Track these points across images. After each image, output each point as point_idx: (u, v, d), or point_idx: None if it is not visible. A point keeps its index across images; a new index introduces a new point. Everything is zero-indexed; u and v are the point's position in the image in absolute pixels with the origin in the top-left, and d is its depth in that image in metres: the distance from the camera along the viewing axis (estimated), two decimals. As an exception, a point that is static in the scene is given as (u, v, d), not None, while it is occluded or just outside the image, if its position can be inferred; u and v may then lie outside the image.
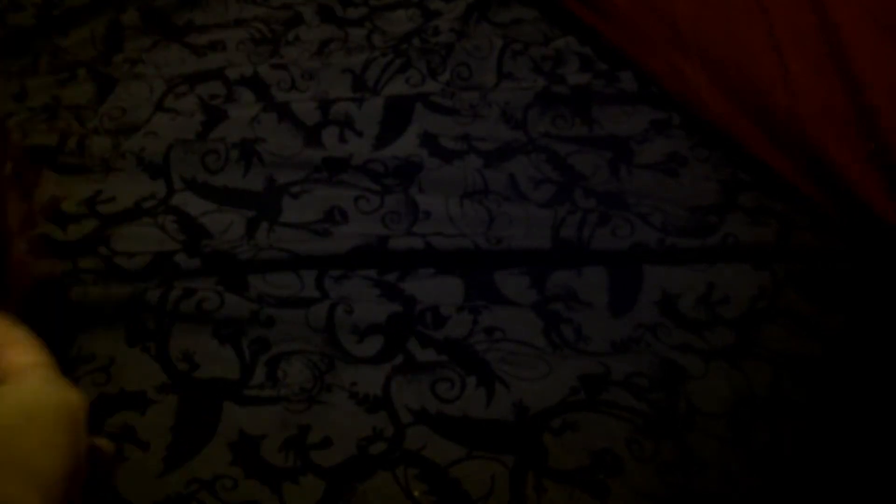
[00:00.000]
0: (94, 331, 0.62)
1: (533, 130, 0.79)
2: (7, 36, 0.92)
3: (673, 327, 0.63)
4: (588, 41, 0.89)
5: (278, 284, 0.64)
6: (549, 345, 0.61)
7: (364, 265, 0.65)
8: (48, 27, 0.93)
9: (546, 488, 0.52)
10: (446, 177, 0.74)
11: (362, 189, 0.71)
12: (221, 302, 0.62)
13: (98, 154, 0.77)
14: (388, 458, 0.53)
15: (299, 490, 0.52)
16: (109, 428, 0.57)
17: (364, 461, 0.53)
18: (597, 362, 0.59)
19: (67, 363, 0.60)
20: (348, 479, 0.52)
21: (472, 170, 0.75)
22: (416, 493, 0.51)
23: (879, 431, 0.57)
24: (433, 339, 0.60)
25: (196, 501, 0.53)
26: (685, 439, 0.55)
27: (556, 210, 0.71)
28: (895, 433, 0.56)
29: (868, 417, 0.57)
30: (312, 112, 0.79)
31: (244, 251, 0.65)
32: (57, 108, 0.82)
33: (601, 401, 0.57)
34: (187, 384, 0.59)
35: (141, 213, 0.69)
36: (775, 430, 0.56)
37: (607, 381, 0.58)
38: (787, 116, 0.70)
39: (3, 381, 0.35)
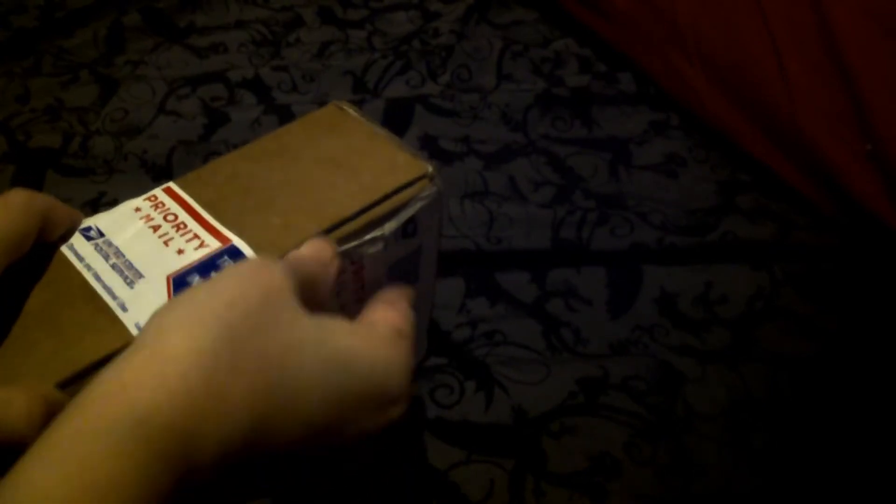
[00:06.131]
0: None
1: (532, 132, 0.79)
2: (10, 37, 0.93)
3: (671, 328, 0.63)
4: (587, 43, 0.90)
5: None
6: (548, 348, 0.61)
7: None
8: (51, 29, 0.94)
9: (545, 492, 0.52)
10: (446, 178, 0.74)
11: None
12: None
13: (101, 156, 0.77)
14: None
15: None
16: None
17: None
18: (595, 365, 0.60)
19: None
20: (349, 483, 0.52)
21: (472, 171, 0.75)
22: (415, 497, 0.52)
23: (879, 432, 0.57)
24: (432, 342, 0.61)
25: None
26: (683, 442, 0.55)
27: (555, 210, 0.72)
28: (894, 434, 0.57)
29: (867, 418, 0.58)
30: (314, 114, 0.80)
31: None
32: (60, 110, 0.83)
33: (599, 404, 0.57)
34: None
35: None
36: (773, 432, 0.56)
37: (605, 384, 0.59)
38: (785, 116, 0.70)
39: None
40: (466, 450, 0.54)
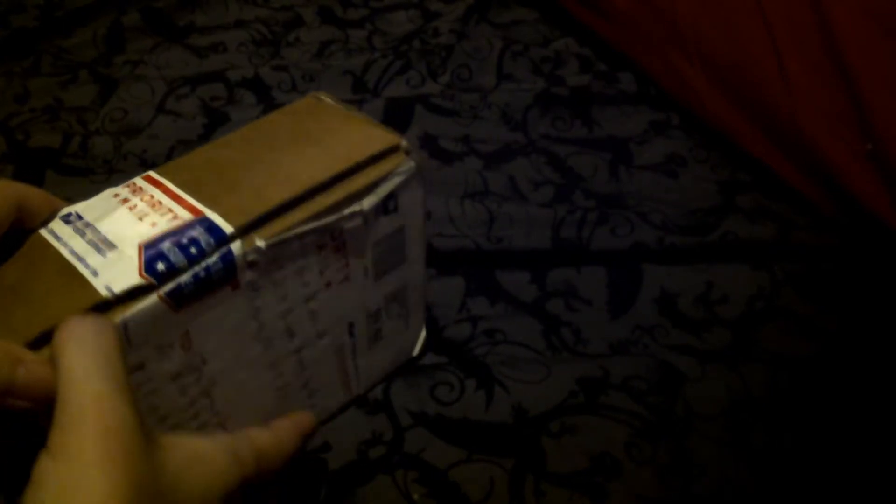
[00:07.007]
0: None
1: (533, 132, 0.79)
2: (9, 37, 0.93)
3: (671, 328, 0.63)
4: (587, 42, 0.90)
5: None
6: (549, 348, 0.61)
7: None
8: (50, 28, 0.94)
9: (545, 492, 0.52)
10: (447, 178, 0.75)
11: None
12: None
13: (101, 156, 0.77)
14: (387, 461, 0.53)
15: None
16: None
17: (364, 465, 0.53)
18: (595, 365, 0.60)
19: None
20: (348, 483, 0.52)
21: (472, 171, 0.75)
22: (415, 497, 0.52)
23: (879, 432, 0.57)
24: (433, 342, 0.61)
25: None
26: (683, 442, 0.55)
27: (555, 210, 0.72)
28: (894, 434, 0.57)
29: (867, 418, 0.58)
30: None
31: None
32: (59, 110, 0.83)
33: (600, 404, 0.57)
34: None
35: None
36: (774, 432, 0.56)
37: (606, 384, 0.58)
38: (785, 116, 0.70)
39: None
40: (466, 449, 0.54)
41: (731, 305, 0.65)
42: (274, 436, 0.39)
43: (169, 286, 0.35)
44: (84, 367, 0.30)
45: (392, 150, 0.43)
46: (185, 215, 0.37)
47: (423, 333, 0.56)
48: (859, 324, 0.64)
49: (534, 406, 0.57)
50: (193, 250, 0.36)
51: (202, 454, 0.34)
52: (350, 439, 0.55)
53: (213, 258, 0.37)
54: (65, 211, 0.39)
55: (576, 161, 0.77)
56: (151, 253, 0.35)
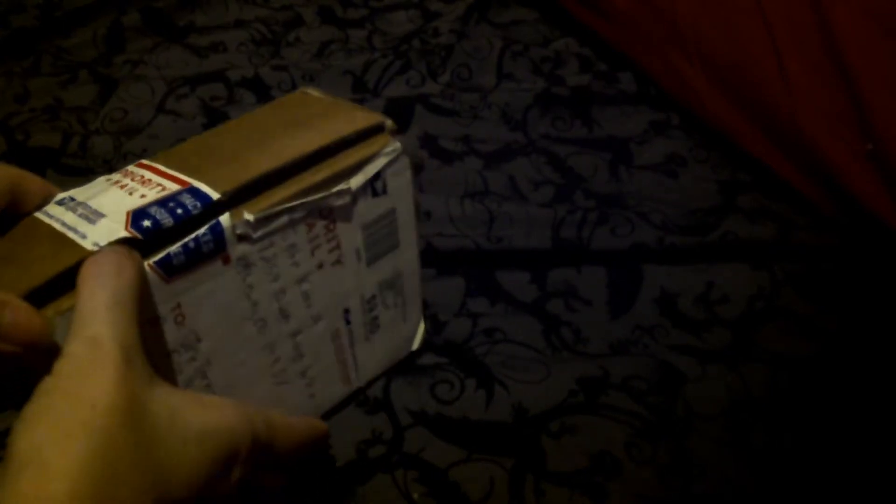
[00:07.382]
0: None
1: (533, 132, 0.79)
2: (9, 37, 0.93)
3: (671, 328, 0.63)
4: (587, 42, 0.90)
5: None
6: (549, 347, 0.61)
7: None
8: (50, 28, 0.94)
9: (545, 491, 0.52)
10: (447, 178, 0.75)
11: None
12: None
13: (101, 155, 0.77)
14: (387, 461, 0.53)
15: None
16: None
17: (363, 465, 0.53)
18: (595, 365, 0.59)
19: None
20: (348, 483, 0.52)
21: (472, 171, 0.75)
22: (415, 496, 0.52)
23: (879, 432, 0.57)
24: (433, 342, 0.61)
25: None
26: (683, 442, 0.55)
27: (555, 210, 0.72)
28: (894, 434, 0.57)
29: (867, 418, 0.57)
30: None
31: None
32: (59, 110, 0.83)
33: (600, 404, 0.57)
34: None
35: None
36: (774, 432, 0.56)
37: (606, 384, 0.58)
38: (785, 116, 0.70)
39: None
40: (466, 448, 0.54)
41: (731, 305, 0.65)
42: (286, 420, 0.39)
43: (158, 255, 0.36)
44: (96, 305, 0.31)
45: (377, 131, 0.44)
46: (173, 187, 0.38)
47: (423, 327, 0.56)
48: (859, 324, 0.64)
49: (534, 406, 0.57)
50: (179, 211, 0.36)
51: (213, 401, 0.35)
52: (350, 438, 0.55)
53: (203, 229, 0.37)
54: (59, 196, 0.40)
55: (576, 161, 0.77)
56: (138, 214, 0.36)
